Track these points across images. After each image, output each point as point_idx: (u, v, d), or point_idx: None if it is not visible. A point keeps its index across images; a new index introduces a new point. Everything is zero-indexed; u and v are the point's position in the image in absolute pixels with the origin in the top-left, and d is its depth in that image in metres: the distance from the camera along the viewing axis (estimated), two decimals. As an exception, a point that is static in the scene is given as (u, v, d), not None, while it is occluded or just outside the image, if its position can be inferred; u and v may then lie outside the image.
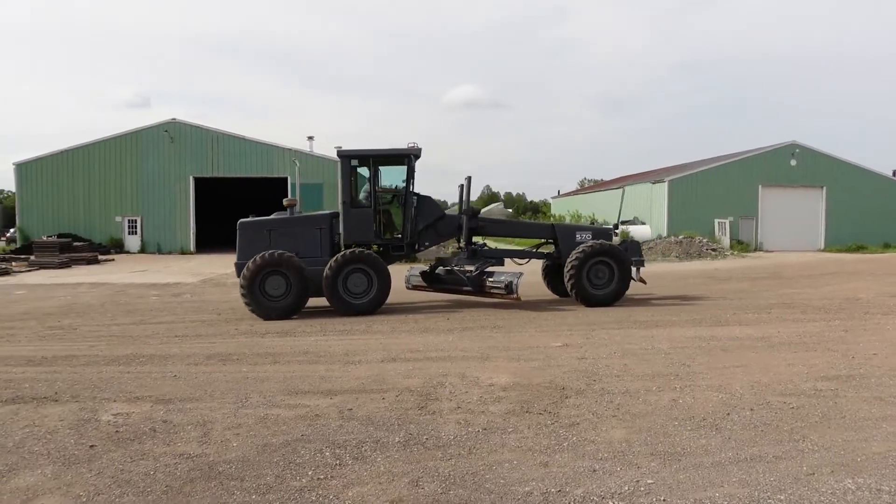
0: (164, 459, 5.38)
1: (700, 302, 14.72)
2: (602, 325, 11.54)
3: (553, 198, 75.25)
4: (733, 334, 10.51)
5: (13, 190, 42.09)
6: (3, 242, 47.38)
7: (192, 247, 39.08)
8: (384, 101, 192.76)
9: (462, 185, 14.68)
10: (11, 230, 46.27)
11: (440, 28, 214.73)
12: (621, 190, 47.58)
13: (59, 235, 36.59)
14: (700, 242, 36.01)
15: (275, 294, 13.01)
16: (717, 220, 40.39)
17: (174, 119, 39.47)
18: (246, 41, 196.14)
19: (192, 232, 39.09)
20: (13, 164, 39.27)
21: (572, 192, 74.04)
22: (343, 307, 13.16)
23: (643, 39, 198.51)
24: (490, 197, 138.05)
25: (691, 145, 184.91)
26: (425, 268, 15.83)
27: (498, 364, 8.52)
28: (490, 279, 14.03)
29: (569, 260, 14.08)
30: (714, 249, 35.39)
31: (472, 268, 14.22)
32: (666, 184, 40.93)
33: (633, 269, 14.38)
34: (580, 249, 14.01)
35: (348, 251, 13.30)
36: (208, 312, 14.05)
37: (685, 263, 30.54)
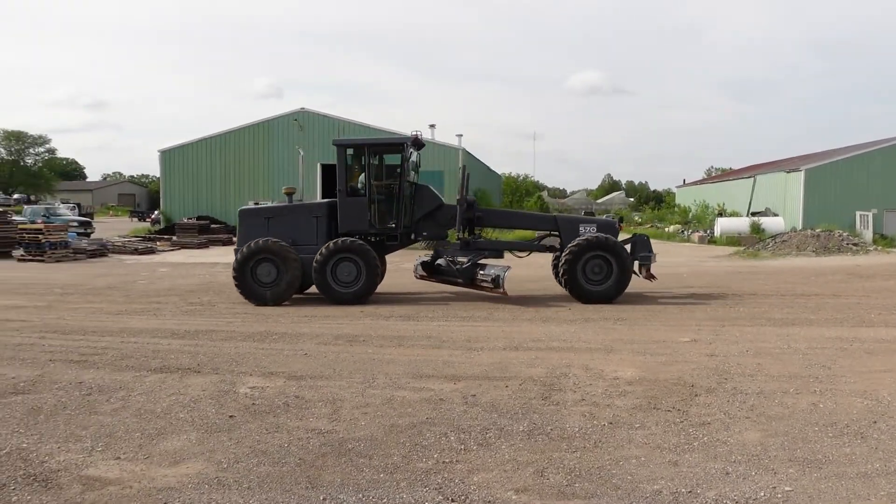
0: (297, 433, 5.61)
1: (841, 300, 13.77)
2: (733, 322, 11.03)
3: (678, 187, 72.59)
4: (879, 336, 9.77)
5: (158, 175, 45.16)
6: (149, 224, 51.06)
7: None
8: (505, 87, 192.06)
9: (461, 175, 14.37)
10: (156, 212, 49.66)
11: (562, 13, 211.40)
12: (752, 179, 45.24)
13: (198, 218, 38.93)
14: (839, 236, 33.69)
15: (266, 280, 13.28)
16: (858, 213, 37.61)
17: (303, 108, 41.00)
18: (374, 33, 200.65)
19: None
20: (158, 151, 42.10)
21: (698, 181, 71.12)
22: (331, 295, 13.23)
23: (772, 19, 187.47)
24: (611, 186, 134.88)
25: (828, 132, 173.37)
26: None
27: (623, 357, 8.32)
28: (481, 272, 13.68)
29: (563, 254, 13.47)
30: (855, 244, 33.02)
31: (464, 259, 13.94)
32: (802, 173, 38.52)
33: (639, 266, 13.86)
34: (575, 243, 13.36)
35: (337, 240, 13.32)
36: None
37: (823, 258, 28.70)
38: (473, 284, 13.85)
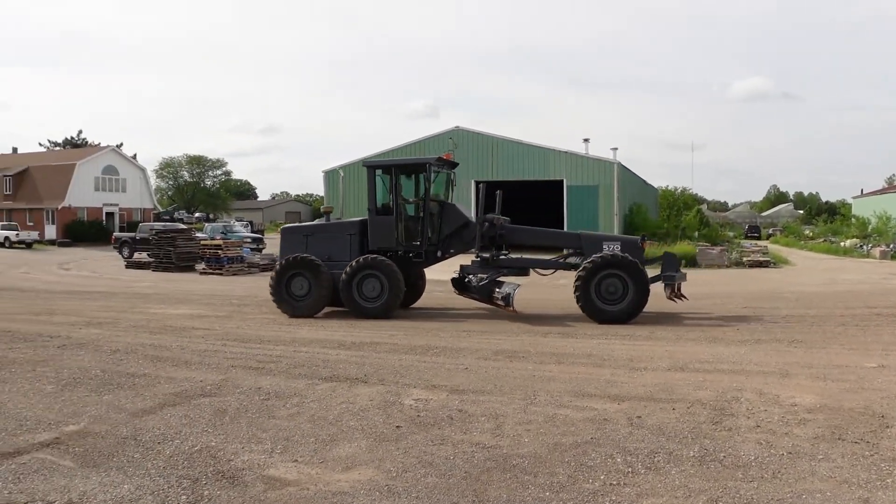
0: (462, 447, 5.70)
1: None
2: (928, 347, 10.00)
3: (854, 198, 67.05)
4: None
5: (321, 194, 47.73)
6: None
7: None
8: (661, 98, 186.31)
9: (478, 192, 14.04)
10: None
11: (720, 16, 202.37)
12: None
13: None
14: None
15: (299, 294, 13.91)
16: None
17: (457, 127, 41.87)
18: (527, 49, 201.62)
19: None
20: (322, 171, 44.48)
21: (878, 190, 65.29)
22: (357, 310, 13.61)
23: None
24: (777, 197, 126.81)
25: None
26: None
27: (800, 382, 7.78)
28: (497, 289, 13.65)
29: (577, 272, 12.96)
30: None
31: (484, 276, 13.97)
32: None
33: (665, 285, 13.26)
34: (590, 260, 12.86)
35: (362, 257, 13.67)
36: (491, 308, 14.71)
37: None
38: (491, 301, 13.89)
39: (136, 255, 34.39)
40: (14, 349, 10.26)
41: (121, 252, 36.86)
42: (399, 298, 13.78)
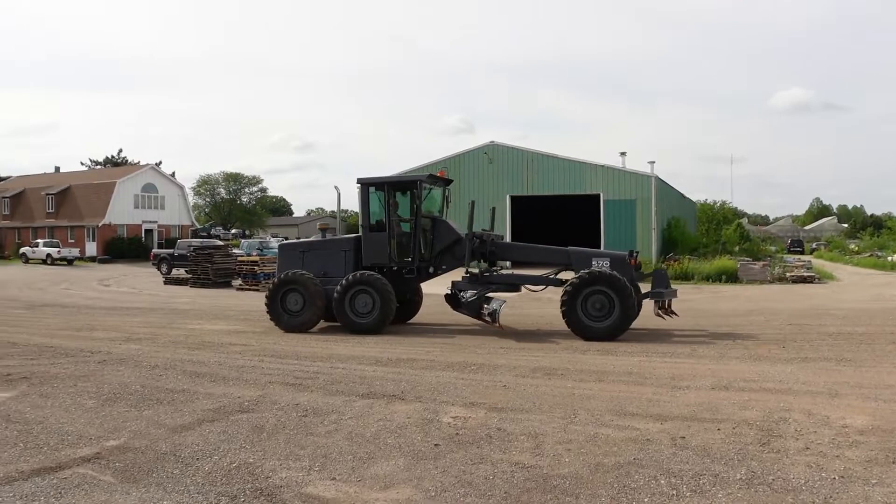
0: (501, 466, 5.64)
1: None
2: (985, 367, 9.66)
3: (902, 212, 65.45)
4: None
5: (357, 210, 48.05)
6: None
7: (507, 263, 41.06)
8: (702, 109, 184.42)
9: (470, 210, 14.18)
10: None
11: (763, 25, 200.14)
12: None
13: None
14: None
15: (293, 309, 14.20)
16: None
17: (492, 141, 41.87)
18: (562, 63, 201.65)
19: (507, 248, 40.93)
20: (357, 180, 44.74)
21: (928, 205, 63.62)
22: (349, 325, 13.84)
23: None
24: (820, 210, 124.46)
25: None
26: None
27: (850, 403, 7.55)
28: (486, 305, 13.73)
29: (564, 287, 13.02)
30: None
31: (472, 292, 14.05)
32: None
33: (655, 302, 13.23)
34: (576, 276, 12.93)
35: (354, 274, 13.93)
36: (525, 325, 14.63)
37: None
38: (480, 317, 13.91)
39: (174, 271, 34.97)
40: (56, 364, 10.46)
41: (159, 268, 37.49)
42: (390, 314, 13.96)
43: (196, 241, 39.15)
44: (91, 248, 56.59)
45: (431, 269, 14.71)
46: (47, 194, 61.15)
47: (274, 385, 8.81)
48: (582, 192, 39.24)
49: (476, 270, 14.26)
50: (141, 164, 71.90)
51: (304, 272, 14.41)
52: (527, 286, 14.67)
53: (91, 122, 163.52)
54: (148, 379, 9.28)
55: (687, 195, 56.72)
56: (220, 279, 28.86)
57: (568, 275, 13.64)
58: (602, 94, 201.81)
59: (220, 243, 38.17)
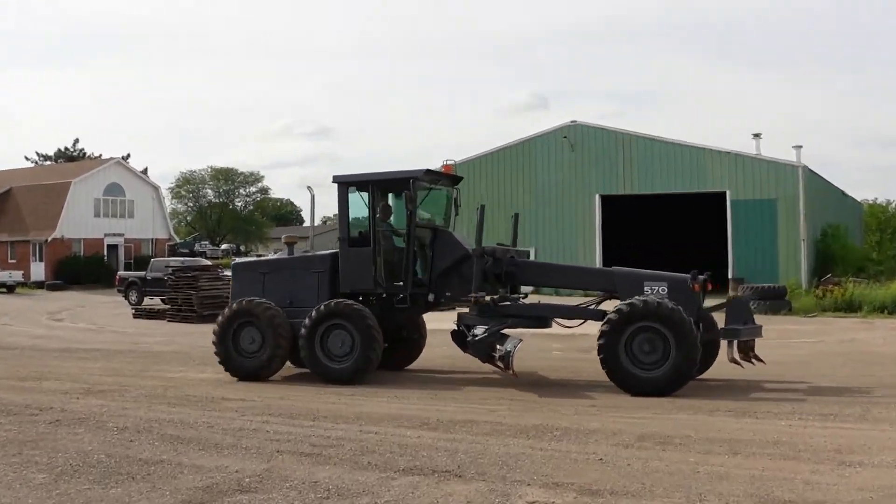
0: (601, 573, 5.54)
1: None
2: None
3: None
4: None
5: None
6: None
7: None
8: (865, 76, 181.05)
9: (478, 216, 13.92)
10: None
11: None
12: None
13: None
14: None
15: (249, 349, 14.42)
16: None
17: (574, 121, 41.73)
18: (662, 18, 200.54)
19: (597, 259, 39.94)
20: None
21: None
22: (319, 372, 14.08)
23: None
24: None
25: None
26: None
27: None
28: (498, 346, 13.61)
29: (601, 324, 13.00)
30: None
31: (482, 329, 13.88)
32: None
33: (730, 343, 13.22)
34: (616, 308, 12.88)
35: (327, 303, 14.02)
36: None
37: None
38: (491, 361, 13.83)
39: (146, 300, 35.67)
40: (-6, 426, 10.70)
41: (127, 297, 38.34)
42: (374, 357, 13.96)
43: (176, 261, 39.90)
44: (38, 271, 58.03)
45: (431, 297, 14.65)
46: (-22, 200, 62.75)
47: (283, 455, 8.85)
48: (700, 190, 38.77)
49: (487, 299, 14.07)
50: (103, 158, 73.82)
51: (262, 300, 14.52)
52: (558, 320, 14.58)
53: (38, 106, 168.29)
54: (115, 446, 9.41)
55: (848, 193, 55.67)
56: (206, 311, 29.18)
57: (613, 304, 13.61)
58: (722, 56, 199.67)
59: (208, 263, 38.87)
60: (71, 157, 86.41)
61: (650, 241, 44.32)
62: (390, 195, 15.17)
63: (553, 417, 10.78)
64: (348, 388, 13.59)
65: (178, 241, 70.95)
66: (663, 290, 13.17)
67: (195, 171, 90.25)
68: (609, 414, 11.06)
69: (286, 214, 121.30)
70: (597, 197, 40.44)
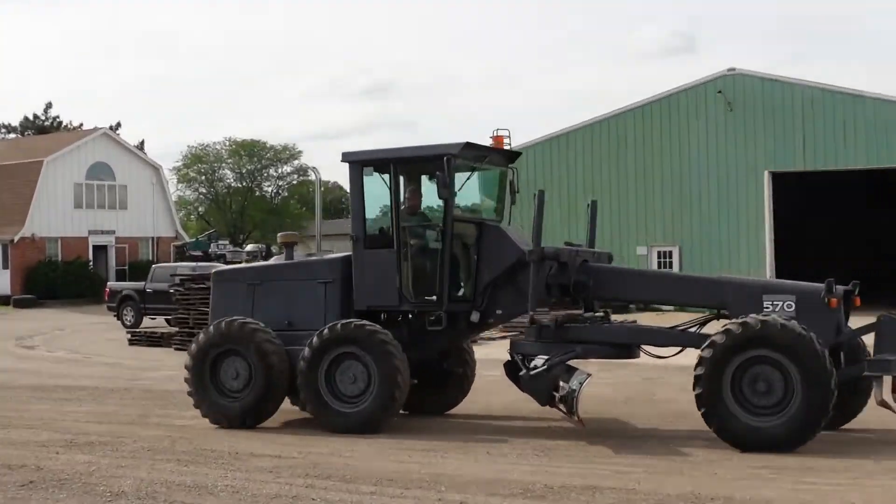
0: None
1: None
2: None
3: None
4: None
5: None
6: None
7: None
8: None
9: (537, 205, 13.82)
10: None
11: None
12: None
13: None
14: None
15: (232, 386, 14.68)
16: None
17: (732, 69, 41.15)
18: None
19: (768, 262, 39.34)
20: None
21: None
22: (325, 418, 14.26)
23: None
24: None
25: None
26: None
27: None
28: (563, 383, 13.39)
29: (700, 352, 12.90)
30: None
31: (542, 360, 13.51)
32: None
33: (878, 380, 12.57)
34: (724, 330, 12.72)
35: (333, 325, 14.09)
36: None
37: None
38: (551, 403, 13.81)
39: (146, 320, 36.13)
40: (-51, 489, 10.94)
41: (120, 316, 38.69)
42: (397, 397, 13.99)
43: (185, 267, 40.16)
44: (2, 282, 58.86)
45: (476, 316, 14.65)
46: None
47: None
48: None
49: (547, 319, 14.08)
50: (84, 128, 74.76)
51: (250, 321, 14.65)
52: (646, 347, 14.49)
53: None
54: (109, 518, 9.56)
55: None
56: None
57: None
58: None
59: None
60: (42, 129, 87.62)
61: (840, 236, 43.67)
62: (422, 178, 15.12)
63: (708, 483, 10.61)
64: (420, 439, 13.62)
65: (187, 240, 71.30)
66: (789, 307, 13.06)
67: (208, 146, 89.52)
68: (788, 477, 10.86)
69: (334, 203, 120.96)
70: (766, 174, 39.91)
